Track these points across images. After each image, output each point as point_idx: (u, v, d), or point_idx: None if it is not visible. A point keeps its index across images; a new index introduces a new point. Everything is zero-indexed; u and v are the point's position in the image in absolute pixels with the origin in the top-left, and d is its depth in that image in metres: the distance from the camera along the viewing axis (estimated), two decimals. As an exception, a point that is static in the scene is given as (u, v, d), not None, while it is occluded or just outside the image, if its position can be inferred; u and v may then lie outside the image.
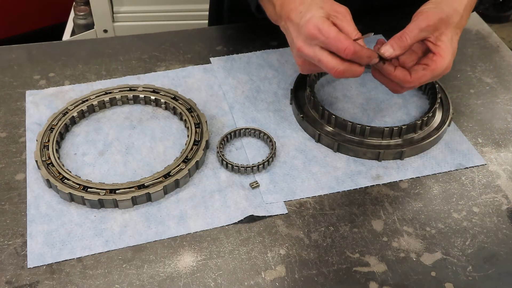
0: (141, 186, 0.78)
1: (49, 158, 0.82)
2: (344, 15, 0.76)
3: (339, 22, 0.75)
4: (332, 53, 0.74)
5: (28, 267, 0.71)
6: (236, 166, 0.82)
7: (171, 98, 0.93)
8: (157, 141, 0.88)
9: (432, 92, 0.93)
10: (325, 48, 0.74)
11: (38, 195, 0.79)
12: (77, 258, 0.72)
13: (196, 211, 0.78)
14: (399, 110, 0.94)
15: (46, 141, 0.84)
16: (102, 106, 0.93)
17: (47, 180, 0.79)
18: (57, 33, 2.04)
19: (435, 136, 0.87)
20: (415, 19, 0.78)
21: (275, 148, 0.85)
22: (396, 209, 0.79)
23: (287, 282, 0.70)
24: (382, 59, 0.78)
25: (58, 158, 0.82)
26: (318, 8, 0.75)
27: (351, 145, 0.85)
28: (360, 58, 0.74)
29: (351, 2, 1.17)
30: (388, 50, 0.77)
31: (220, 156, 0.84)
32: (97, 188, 0.78)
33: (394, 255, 0.73)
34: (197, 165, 0.83)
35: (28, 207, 0.78)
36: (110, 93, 0.94)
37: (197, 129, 0.87)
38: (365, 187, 0.82)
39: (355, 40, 0.74)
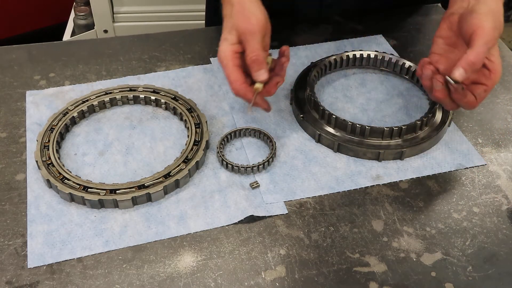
0: (141, 186, 0.78)
1: (49, 158, 0.82)
2: (251, 34, 0.80)
3: (245, 43, 0.80)
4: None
5: (28, 267, 0.71)
6: (236, 166, 0.82)
7: (171, 98, 0.93)
8: (157, 141, 0.88)
9: (432, 92, 0.93)
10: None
11: (38, 195, 0.79)
12: (77, 258, 0.72)
13: (196, 211, 0.78)
14: (399, 110, 0.94)
15: (46, 141, 0.85)
16: (102, 106, 0.93)
17: (47, 180, 0.79)
18: (57, 33, 2.04)
19: (435, 136, 0.87)
20: (474, 35, 0.75)
21: (275, 148, 0.85)
22: (396, 209, 0.79)
23: (287, 282, 0.70)
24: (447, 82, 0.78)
25: (59, 158, 0.82)
26: (229, 32, 0.81)
27: (351, 145, 0.85)
28: (244, 97, 0.81)
29: (351, 2, 1.17)
30: (462, 74, 0.75)
31: (220, 156, 0.84)
32: (97, 188, 0.78)
33: (394, 255, 0.73)
34: (197, 165, 0.83)
35: (28, 207, 0.78)
36: (110, 93, 0.94)
37: (197, 129, 0.87)
38: (365, 187, 0.82)
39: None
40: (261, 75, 0.80)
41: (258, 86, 0.80)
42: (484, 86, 0.78)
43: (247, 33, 0.80)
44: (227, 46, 0.81)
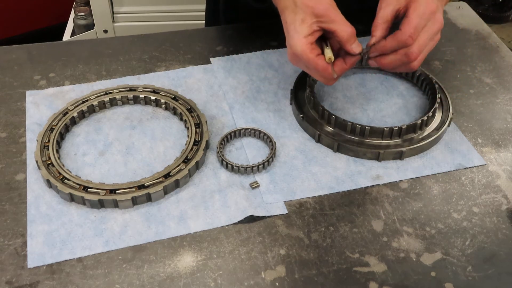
0: (141, 186, 0.78)
1: (49, 158, 0.82)
2: (333, 13, 0.79)
3: (330, 24, 0.79)
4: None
5: (28, 267, 0.71)
6: (236, 166, 0.82)
7: (171, 98, 0.93)
8: (157, 141, 0.88)
9: (432, 92, 0.93)
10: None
11: (38, 195, 0.79)
12: (77, 258, 0.72)
13: (196, 211, 0.78)
14: (399, 110, 0.94)
15: (46, 141, 0.85)
16: (102, 106, 0.93)
17: (47, 180, 0.79)
18: (57, 33, 2.04)
19: (435, 136, 0.87)
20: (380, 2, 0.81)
21: (275, 148, 0.85)
22: (396, 209, 0.79)
23: (287, 282, 0.70)
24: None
25: (58, 158, 0.82)
26: (299, 25, 0.78)
27: (351, 145, 0.85)
28: (336, 78, 0.82)
29: (351, 2, 1.17)
30: (371, 40, 0.81)
31: (220, 156, 0.84)
32: (97, 188, 0.78)
33: (394, 255, 0.73)
34: (197, 165, 0.83)
35: (28, 207, 0.78)
36: (110, 93, 0.94)
37: (197, 129, 0.87)
38: (365, 187, 0.82)
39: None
40: (357, 47, 0.80)
41: (330, 55, 0.80)
42: (408, 19, 0.78)
43: (330, 12, 0.79)
44: (301, 39, 0.78)
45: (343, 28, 0.79)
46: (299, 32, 0.78)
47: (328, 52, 0.80)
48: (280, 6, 0.82)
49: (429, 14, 0.78)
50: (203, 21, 1.36)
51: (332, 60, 0.80)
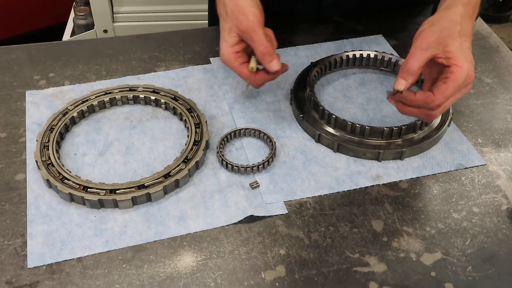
0: (141, 186, 0.78)
1: (49, 158, 0.82)
2: (253, 30, 0.83)
3: (250, 41, 0.83)
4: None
5: (28, 267, 0.71)
6: (236, 166, 0.82)
7: (171, 98, 0.93)
8: (157, 141, 0.88)
9: (432, 92, 0.93)
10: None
11: (38, 195, 0.79)
12: (77, 258, 0.72)
13: (196, 211, 0.78)
14: (399, 110, 0.94)
15: (46, 141, 0.84)
16: (102, 106, 0.93)
17: (47, 180, 0.79)
18: (57, 33, 2.04)
19: (435, 136, 0.87)
20: (414, 42, 0.78)
21: (275, 148, 0.85)
22: (396, 209, 0.79)
23: (287, 282, 0.70)
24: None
25: (58, 158, 0.82)
26: (228, 34, 0.84)
27: (351, 145, 0.85)
28: (259, 82, 0.87)
29: (351, 3, 1.17)
30: (401, 83, 0.77)
31: (220, 156, 0.84)
32: (97, 188, 0.78)
33: (394, 255, 0.73)
34: (197, 165, 0.83)
35: (28, 207, 0.78)
36: (110, 93, 0.94)
37: (197, 129, 0.87)
38: (365, 187, 0.82)
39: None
40: (274, 65, 0.84)
41: (253, 65, 0.85)
42: (444, 79, 0.75)
43: (250, 30, 0.83)
44: (227, 48, 0.85)
45: (258, 47, 0.83)
46: (227, 41, 0.85)
47: (252, 62, 0.85)
48: (218, 12, 0.88)
49: (465, 85, 0.76)
50: (203, 21, 1.35)
51: (254, 70, 0.85)
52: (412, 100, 0.77)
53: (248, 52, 0.87)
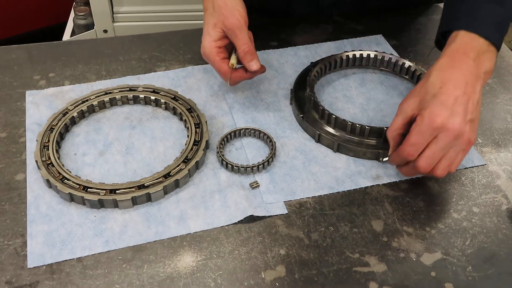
0: (141, 186, 0.78)
1: (49, 158, 0.82)
2: (238, 28, 0.85)
3: (234, 38, 0.85)
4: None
5: (28, 267, 0.71)
6: (236, 166, 0.82)
7: (171, 98, 0.93)
8: (157, 141, 0.88)
9: (432, 92, 0.92)
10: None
11: (38, 195, 0.79)
12: (77, 258, 0.72)
13: (196, 211, 0.78)
14: (399, 110, 0.94)
15: (46, 141, 0.84)
16: (102, 106, 0.93)
17: (47, 180, 0.79)
18: (57, 33, 2.04)
19: (435, 136, 0.87)
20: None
21: (275, 148, 0.85)
22: (396, 209, 0.79)
23: (287, 282, 0.70)
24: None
25: (58, 158, 0.82)
26: (212, 28, 0.86)
27: (351, 145, 0.85)
28: (236, 79, 0.88)
29: (350, 3, 1.17)
30: (389, 160, 0.81)
31: (220, 156, 0.84)
32: (97, 188, 0.78)
33: (394, 255, 0.73)
34: (197, 165, 0.83)
35: (28, 207, 0.78)
36: (110, 93, 0.94)
37: (197, 129, 0.87)
38: (365, 187, 0.82)
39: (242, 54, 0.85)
40: (254, 64, 0.86)
41: (233, 62, 0.87)
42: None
43: (235, 28, 0.84)
44: (210, 42, 0.86)
45: (241, 46, 0.85)
46: (210, 35, 0.86)
47: (233, 59, 0.87)
48: (203, 6, 0.89)
49: (432, 129, 0.72)
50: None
51: (234, 67, 0.87)
52: (393, 160, 0.80)
53: (229, 49, 0.89)
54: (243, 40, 0.85)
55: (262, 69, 0.89)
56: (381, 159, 0.84)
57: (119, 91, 0.94)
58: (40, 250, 0.73)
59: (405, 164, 0.78)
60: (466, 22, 0.77)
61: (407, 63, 0.99)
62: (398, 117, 0.77)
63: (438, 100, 0.73)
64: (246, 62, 0.86)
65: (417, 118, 0.74)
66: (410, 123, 0.76)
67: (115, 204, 0.77)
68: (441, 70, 0.75)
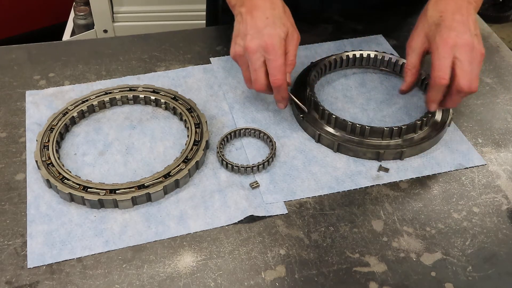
0: (141, 186, 0.78)
1: (49, 158, 0.82)
2: (295, 39, 0.85)
3: (288, 44, 0.84)
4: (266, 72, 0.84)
5: (28, 267, 0.71)
6: (236, 166, 0.82)
7: (171, 98, 0.93)
8: (157, 141, 0.88)
9: (432, 92, 0.93)
10: (265, 63, 0.83)
11: (38, 195, 0.79)
12: (77, 258, 0.72)
13: (196, 211, 0.78)
14: (399, 110, 0.94)
15: (46, 141, 0.84)
16: (102, 106, 0.93)
17: (47, 180, 0.79)
18: (57, 33, 2.04)
19: (435, 136, 0.87)
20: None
21: (275, 148, 0.85)
22: (396, 209, 0.79)
23: (287, 282, 0.70)
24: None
25: (58, 158, 0.82)
26: (281, 25, 0.83)
27: (351, 145, 0.85)
28: (277, 93, 0.85)
29: (350, 2, 1.17)
30: (402, 85, 0.89)
31: (220, 156, 0.84)
32: (97, 188, 0.78)
33: (394, 255, 0.73)
34: (197, 165, 0.83)
35: (28, 207, 0.78)
36: (110, 93, 0.94)
37: (197, 129, 0.87)
38: (365, 187, 0.82)
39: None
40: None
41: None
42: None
43: (297, 38, 0.86)
44: (280, 33, 0.83)
45: (293, 54, 0.85)
46: (280, 32, 0.83)
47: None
48: (251, 3, 0.85)
49: (449, 49, 0.80)
50: (203, 21, 1.35)
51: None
52: (430, 97, 0.83)
53: None
54: (295, 52, 0.85)
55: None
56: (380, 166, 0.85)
57: (119, 91, 0.94)
58: (40, 250, 0.73)
59: (446, 98, 0.83)
60: None
61: (407, 63, 0.99)
62: (411, 55, 0.86)
63: (443, 26, 0.81)
64: (276, 98, 0.87)
65: (432, 48, 0.82)
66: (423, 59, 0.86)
67: (115, 204, 0.77)
68: (435, 3, 0.85)
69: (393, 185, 0.82)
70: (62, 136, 0.88)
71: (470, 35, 0.80)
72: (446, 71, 0.79)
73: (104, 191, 0.77)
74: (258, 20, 0.83)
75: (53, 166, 0.80)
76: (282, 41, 0.82)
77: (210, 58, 1.04)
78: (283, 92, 0.85)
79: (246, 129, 0.89)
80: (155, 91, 0.94)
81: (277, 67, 0.82)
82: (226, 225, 0.76)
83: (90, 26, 1.97)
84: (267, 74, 0.84)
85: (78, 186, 0.78)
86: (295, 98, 0.89)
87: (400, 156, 0.85)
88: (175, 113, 0.92)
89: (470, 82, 0.79)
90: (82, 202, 0.77)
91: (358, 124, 0.85)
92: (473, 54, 0.80)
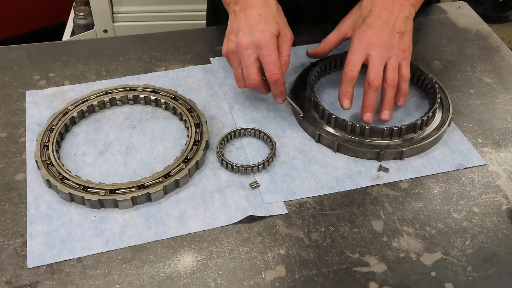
0: (141, 186, 0.78)
1: (49, 158, 0.82)
2: (288, 39, 0.86)
3: (281, 43, 0.85)
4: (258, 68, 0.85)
5: (28, 267, 0.71)
6: (236, 166, 0.82)
7: (171, 98, 0.93)
8: (157, 141, 0.88)
9: (432, 92, 0.93)
10: (259, 60, 0.84)
11: (38, 195, 0.79)
12: (77, 258, 0.72)
13: (196, 211, 0.78)
14: (399, 110, 0.94)
15: (46, 141, 0.84)
16: (102, 106, 0.93)
17: (47, 180, 0.79)
18: (57, 33, 2.04)
19: (435, 136, 0.87)
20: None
21: (275, 148, 0.85)
22: (396, 209, 0.79)
23: (287, 282, 0.70)
24: None
25: (58, 158, 0.82)
26: (274, 22, 0.84)
27: (351, 145, 0.85)
28: (274, 88, 0.86)
29: (350, 2, 1.16)
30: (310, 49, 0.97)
31: (220, 156, 0.84)
32: (97, 188, 0.78)
33: (394, 255, 0.73)
34: (197, 165, 0.83)
35: (28, 207, 0.78)
36: (110, 93, 0.94)
37: (197, 129, 0.87)
38: (365, 187, 0.82)
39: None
40: (280, 100, 0.90)
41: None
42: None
43: (290, 37, 0.86)
44: (272, 30, 0.83)
45: (286, 54, 0.86)
46: (272, 29, 0.83)
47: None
48: (245, 1, 0.86)
49: (362, 47, 0.85)
50: (203, 21, 1.36)
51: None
52: (342, 89, 0.87)
53: None
54: (288, 51, 0.86)
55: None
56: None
57: (119, 91, 0.94)
58: (40, 250, 0.73)
59: (365, 98, 0.86)
60: None
61: (407, 63, 0.98)
62: (333, 33, 0.92)
63: (365, 22, 0.86)
64: (273, 93, 0.87)
65: (351, 40, 0.87)
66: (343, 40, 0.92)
67: (115, 204, 0.77)
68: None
69: (393, 185, 0.82)
70: (62, 136, 0.88)
71: (389, 33, 0.84)
72: (355, 64, 0.84)
73: (104, 191, 0.77)
74: (251, 17, 0.84)
75: (53, 166, 0.81)
76: (274, 37, 0.83)
77: (210, 58, 1.04)
78: (280, 86, 0.85)
79: (246, 129, 0.89)
80: (155, 91, 0.94)
81: (271, 62, 0.83)
82: (226, 225, 0.76)
83: (90, 26, 1.97)
84: (259, 70, 0.84)
85: (78, 186, 0.78)
86: (291, 101, 0.89)
87: (400, 156, 0.86)
88: (175, 113, 0.92)
89: (376, 77, 0.83)
90: (82, 202, 0.77)
91: (358, 124, 0.85)
92: (391, 52, 0.84)
